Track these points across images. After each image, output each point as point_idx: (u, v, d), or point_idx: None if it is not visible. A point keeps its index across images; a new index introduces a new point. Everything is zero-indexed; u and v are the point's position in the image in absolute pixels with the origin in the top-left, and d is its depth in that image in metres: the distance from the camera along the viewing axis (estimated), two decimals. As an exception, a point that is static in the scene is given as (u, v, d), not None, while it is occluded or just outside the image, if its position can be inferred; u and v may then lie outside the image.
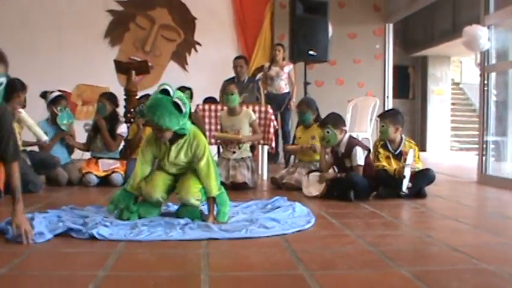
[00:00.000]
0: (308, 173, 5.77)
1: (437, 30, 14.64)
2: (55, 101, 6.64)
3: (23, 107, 6.06)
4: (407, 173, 5.38)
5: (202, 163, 4.03)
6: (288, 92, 9.30)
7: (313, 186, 5.62)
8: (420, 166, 5.68)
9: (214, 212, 4.04)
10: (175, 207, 4.40)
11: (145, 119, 3.91)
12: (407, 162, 5.39)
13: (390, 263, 2.95)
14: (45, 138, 6.19)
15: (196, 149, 4.05)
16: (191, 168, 4.15)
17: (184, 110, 3.81)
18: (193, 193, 4.05)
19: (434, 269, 2.86)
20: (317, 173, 5.72)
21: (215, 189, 4.05)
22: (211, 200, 4.07)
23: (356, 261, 3.02)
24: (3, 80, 3.29)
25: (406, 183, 5.39)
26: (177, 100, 3.77)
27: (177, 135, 4.02)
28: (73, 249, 3.26)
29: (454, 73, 19.46)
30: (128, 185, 4.17)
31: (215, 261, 2.98)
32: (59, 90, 6.89)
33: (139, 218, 4.07)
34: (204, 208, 4.21)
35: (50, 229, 3.56)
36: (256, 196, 5.65)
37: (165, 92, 3.80)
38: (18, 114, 5.86)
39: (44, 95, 6.73)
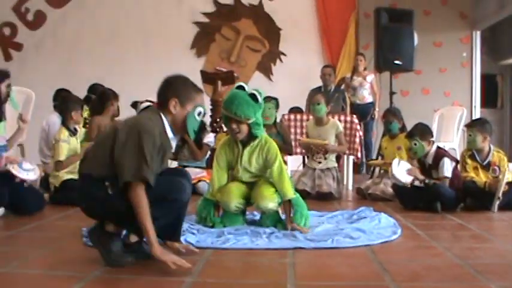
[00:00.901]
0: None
1: (528, 37, 14.20)
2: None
3: (117, 115, 6.27)
4: (500, 193, 5.25)
5: (275, 167, 4.11)
6: (372, 102, 9.23)
7: (401, 174, 5.51)
8: (510, 177, 5.54)
9: (291, 215, 4.08)
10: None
11: (224, 113, 3.99)
12: (502, 180, 5.25)
13: (479, 277, 2.91)
14: None
15: (268, 153, 4.14)
16: (263, 176, 4.23)
17: (260, 100, 3.97)
18: (268, 197, 4.12)
19: (526, 284, 2.80)
20: (408, 164, 5.61)
21: (290, 192, 4.10)
22: (287, 204, 4.11)
23: (444, 274, 3.00)
24: None
25: (497, 203, 5.26)
26: (253, 91, 3.97)
27: (250, 137, 4.11)
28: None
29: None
30: (207, 193, 4.32)
31: (301, 271, 3.01)
32: (147, 100, 7.08)
33: (225, 227, 4.16)
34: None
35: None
36: (342, 206, 5.64)
37: (240, 88, 4.02)
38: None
39: (134, 104, 6.95)
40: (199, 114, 3.26)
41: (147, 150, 2.84)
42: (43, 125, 6.54)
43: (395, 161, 5.62)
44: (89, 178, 2.97)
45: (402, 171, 5.52)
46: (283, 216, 4.23)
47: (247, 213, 4.46)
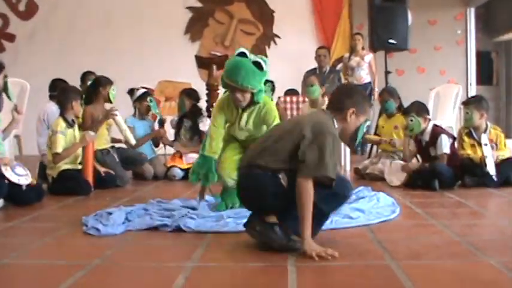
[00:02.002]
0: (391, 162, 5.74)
1: (522, 13, 14.15)
2: (142, 97, 6.85)
3: (107, 101, 6.24)
4: (487, 152, 5.27)
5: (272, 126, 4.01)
6: (370, 82, 9.21)
7: (395, 175, 5.59)
8: (507, 153, 5.55)
9: None
10: None
11: (227, 82, 3.91)
12: (483, 142, 5.29)
13: (479, 253, 2.92)
14: (134, 142, 6.37)
15: (266, 115, 4.07)
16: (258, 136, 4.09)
17: (265, 67, 3.88)
18: None
19: (525, 259, 2.81)
20: (400, 162, 5.68)
21: None
22: None
23: (443, 251, 3.01)
24: None
25: (491, 164, 5.28)
26: (257, 59, 3.87)
27: (250, 102, 4.03)
28: (161, 241, 3.39)
29: (540, 56, 18.72)
30: (203, 149, 4.20)
31: (301, 252, 3.02)
32: (143, 87, 7.08)
33: (227, 208, 4.16)
34: None
35: (136, 224, 3.72)
36: (340, 187, 5.63)
37: (242, 55, 3.90)
38: (114, 117, 6.05)
39: (131, 91, 6.94)
40: (368, 126, 3.44)
41: (329, 150, 2.95)
42: (40, 115, 6.50)
43: (386, 162, 5.69)
44: (265, 170, 3.07)
45: (396, 172, 5.57)
46: None
47: None
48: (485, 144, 5.32)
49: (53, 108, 6.24)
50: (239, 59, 3.88)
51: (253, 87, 3.88)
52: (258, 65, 3.85)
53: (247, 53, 3.91)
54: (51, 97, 6.63)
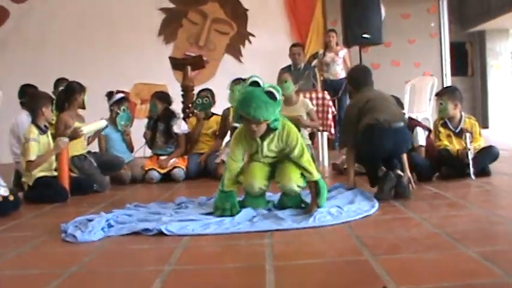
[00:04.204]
0: None
1: (494, 3, 14.24)
2: (119, 102, 6.80)
3: (82, 108, 6.19)
4: (470, 157, 5.27)
5: (297, 150, 3.96)
6: (345, 77, 9.21)
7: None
8: (482, 143, 5.58)
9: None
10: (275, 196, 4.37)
11: (240, 113, 3.88)
12: (468, 146, 5.27)
13: (457, 244, 2.92)
14: (104, 123, 6.36)
15: (288, 139, 3.97)
16: (285, 156, 4.05)
17: (278, 97, 3.79)
18: (296, 180, 3.98)
19: (503, 248, 2.83)
20: None
21: (316, 173, 3.99)
22: (313, 185, 3.99)
23: (422, 244, 3.01)
24: None
25: (471, 170, 5.28)
26: (270, 89, 3.78)
27: (268, 130, 3.92)
28: (140, 246, 3.35)
29: (513, 46, 18.90)
30: (222, 186, 4.08)
31: (279, 251, 3.01)
32: (119, 91, 7.02)
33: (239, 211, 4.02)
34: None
35: (117, 229, 3.68)
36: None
37: (255, 84, 3.82)
38: (79, 132, 5.95)
39: (109, 95, 6.88)
40: None
41: None
42: (12, 125, 6.39)
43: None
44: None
45: None
46: (307, 199, 4.13)
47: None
48: (469, 150, 5.28)
49: (24, 119, 6.13)
50: (251, 89, 3.81)
51: (266, 118, 3.78)
52: (270, 94, 3.77)
53: (260, 82, 3.83)
54: (22, 104, 6.54)
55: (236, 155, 4.08)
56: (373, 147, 4.50)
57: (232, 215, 3.90)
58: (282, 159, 4.10)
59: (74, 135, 5.87)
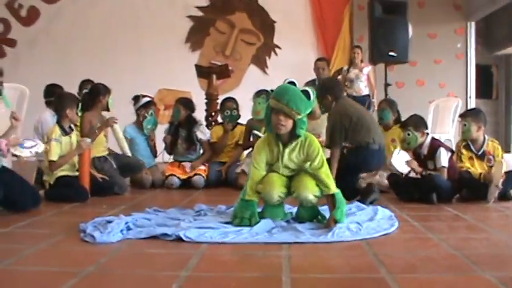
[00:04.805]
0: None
1: (522, 27, 14.18)
2: (147, 106, 6.84)
3: (106, 110, 6.25)
4: (499, 182, 5.23)
5: (317, 160, 3.97)
6: (368, 95, 9.21)
7: (400, 163, 5.48)
8: (505, 167, 5.53)
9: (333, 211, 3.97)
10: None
11: (272, 104, 3.90)
12: (498, 168, 5.23)
13: (474, 267, 2.90)
14: (129, 153, 6.49)
15: (309, 149, 4.00)
16: (304, 170, 4.05)
17: (312, 97, 3.88)
18: (311, 188, 3.97)
19: (521, 274, 2.80)
20: (408, 156, 5.57)
21: (333, 186, 3.99)
22: (330, 199, 4.00)
23: (439, 265, 2.99)
24: None
25: (496, 192, 5.23)
26: (305, 88, 3.90)
27: (292, 136, 3.96)
28: (157, 250, 3.36)
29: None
30: (244, 194, 4.08)
31: (296, 263, 3.01)
32: (144, 95, 7.05)
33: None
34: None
35: (136, 232, 3.70)
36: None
37: (291, 83, 3.94)
38: (113, 125, 6.07)
39: (136, 98, 6.93)
40: None
41: None
42: (35, 123, 6.45)
43: (396, 150, 5.61)
44: None
45: (401, 160, 5.50)
46: (326, 213, 4.13)
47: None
48: (497, 186, 5.24)
49: (48, 117, 6.21)
50: (287, 84, 3.93)
51: (298, 110, 3.82)
52: (306, 93, 3.85)
53: (296, 82, 3.96)
54: (47, 103, 6.60)
55: (259, 163, 4.09)
56: (364, 164, 5.42)
57: (250, 225, 3.89)
58: (299, 172, 4.10)
59: (107, 124, 6.11)
